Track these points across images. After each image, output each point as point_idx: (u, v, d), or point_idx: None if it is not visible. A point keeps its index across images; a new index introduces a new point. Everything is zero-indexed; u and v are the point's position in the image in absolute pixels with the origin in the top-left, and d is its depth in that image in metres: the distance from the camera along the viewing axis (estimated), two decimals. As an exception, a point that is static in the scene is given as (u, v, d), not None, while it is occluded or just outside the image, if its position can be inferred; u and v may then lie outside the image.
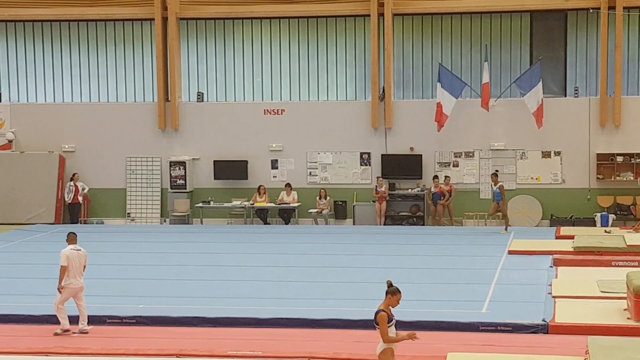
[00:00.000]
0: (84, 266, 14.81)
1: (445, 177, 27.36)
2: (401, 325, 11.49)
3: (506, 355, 12.69)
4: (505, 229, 25.09)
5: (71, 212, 28.45)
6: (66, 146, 29.08)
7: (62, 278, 14.49)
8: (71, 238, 14.98)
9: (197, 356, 13.06)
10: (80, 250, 14.83)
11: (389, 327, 10.27)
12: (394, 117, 28.14)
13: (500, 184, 25.19)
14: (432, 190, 27.27)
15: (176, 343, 13.66)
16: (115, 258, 21.71)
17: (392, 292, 10.41)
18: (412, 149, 28.05)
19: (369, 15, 28.08)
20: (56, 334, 14.36)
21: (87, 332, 14.46)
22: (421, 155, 27.96)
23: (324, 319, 14.88)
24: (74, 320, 14.56)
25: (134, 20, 29.32)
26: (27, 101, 29.89)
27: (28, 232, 26.05)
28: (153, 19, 28.79)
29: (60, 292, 14.46)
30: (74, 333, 14.44)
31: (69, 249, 14.73)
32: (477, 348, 13.19)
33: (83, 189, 28.34)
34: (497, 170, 26.52)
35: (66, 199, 28.37)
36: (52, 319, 15.08)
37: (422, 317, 14.56)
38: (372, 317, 10.42)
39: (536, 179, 27.71)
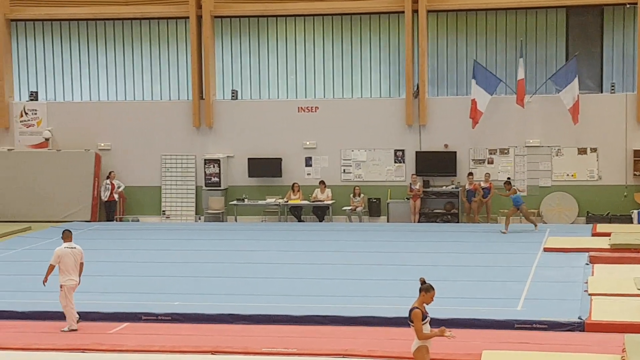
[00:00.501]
0: (81, 264, 14.93)
1: (486, 173, 27.25)
2: (436, 322, 11.44)
3: (542, 354, 12.61)
4: (506, 229, 24.63)
5: (107, 210, 28.63)
6: (102, 144, 29.27)
7: (48, 274, 14.71)
8: (66, 235, 15.11)
9: (232, 353, 13.09)
10: (75, 247, 14.95)
11: (423, 324, 10.25)
12: (428, 114, 28.05)
13: (513, 188, 25.07)
14: (467, 187, 27.16)
15: (211, 340, 13.71)
16: (151, 255, 21.82)
17: (426, 289, 10.39)
18: (446, 146, 27.95)
19: (403, 12, 28.01)
20: (62, 331, 14.53)
21: (76, 330, 14.53)
22: (455, 152, 27.86)
23: (359, 317, 14.87)
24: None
25: (169, 18, 29.46)
26: (64, 100, 30.11)
27: (64, 230, 26.23)
28: (188, 17, 28.90)
29: (44, 284, 14.68)
30: (62, 330, 14.55)
31: (62, 247, 14.87)
32: (512, 346, 13.11)
33: (119, 187, 28.51)
34: (509, 178, 26.34)
35: (102, 197, 28.55)
36: (87, 316, 15.21)
37: (457, 315, 14.50)
38: (407, 315, 10.40)
39: (572, 175, 27.52)
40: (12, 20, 29.75)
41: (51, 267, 14.77)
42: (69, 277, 14.67)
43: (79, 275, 14.89)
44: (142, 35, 29.73)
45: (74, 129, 29.33)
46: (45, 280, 14.83)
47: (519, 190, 25.78)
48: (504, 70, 28.17)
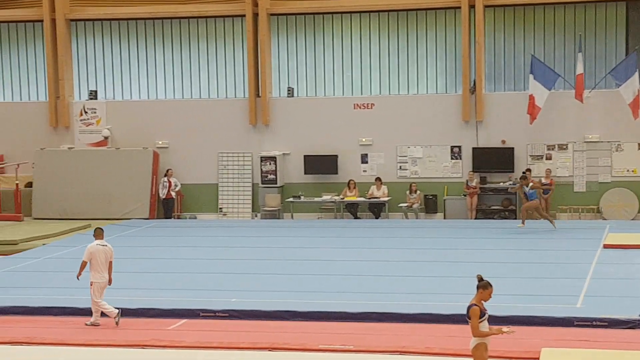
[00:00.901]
0: (111, 262, 15.12)
1: (546, 169, 26.99)
2: (494, 319, 11.38)
3: (601, 351, 12.46)
4: (523, 223, 24.23)
5: (165, 208, 28.87)
6: (160, 142, 29.53)
7: (81, 270, 14.96)
8: (98, 233, 15.34)
9: (289, 350, 13.13)
10: (106, 245, 15.15)
11: (481, 321, 10.18)
12: (485, 109, 27.86)
13: (531, 183, 24.42)
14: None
15: (268, 337, 13.75)
16: (208, 252, 21.97)
17: (483, 286, 10.32)
18: (503, 141, 27.73)
19: (459, 7, 27.85)
20: (86, 325, 14.79)
21: (98, 324, 14.77)
22: (513, 148, 27.63)
23: (416, 314, 14.81)
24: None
25: (225, 16, 29.61)
26: (122, 98, 30.43)
27: (123, 227, 26.53)
28: (244, 15, 29.03)
29: (77, 278, 14.95)
30: (85, 324, 14.79)
31: (94, 244, 15.07)
32: (571, 343, 12.98)
33: (176, 186, 28.72)
34: (526, 171, 25.88)
35: (160, 195, 28.80)
36: (146, 313, 15.37)
37: (515, 312, 14.38)
38: (464, 312, 10.34)
39: (632, 171, 27.13)
40: (72, 20, 30.14)
41: (84, 264, 15.03)
42: (99, 274, 14.90)
43: (110, 273, 15.09)
44: (199, 33, 29.93)
45: (132, 127, 29.64)
46: (78, 275, 15.17)
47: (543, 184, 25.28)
48: (562, 65, 27.86)
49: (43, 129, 30.08)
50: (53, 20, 29.69)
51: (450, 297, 15.74)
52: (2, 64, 30.85)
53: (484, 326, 10.23)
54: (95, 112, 29.89)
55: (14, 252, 22.51)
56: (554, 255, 20.53)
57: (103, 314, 14.92)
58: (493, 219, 27.37)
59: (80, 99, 30.39)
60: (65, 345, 13.61)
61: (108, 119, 29.83)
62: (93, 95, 30.22)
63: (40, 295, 16.76)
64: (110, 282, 15.13)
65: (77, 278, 15.20)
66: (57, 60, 29.79)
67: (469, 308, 10.23)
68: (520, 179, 24.82)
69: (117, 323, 14.74)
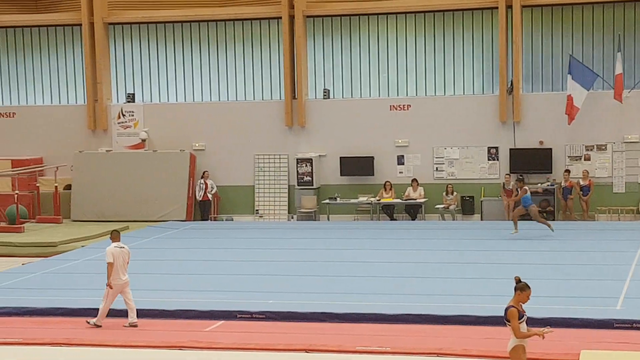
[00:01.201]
0: (127, 262, 15.28)
1: (584, 170, 26.78)
2: (532, 321, 11.29)
3: (642, 354, 12.34)
4: (516, 229, 23.40)
5: (202, 209, 29.00)
6: (197, 144, 29.67)
7: (110, 274, 14.99)
8: (115, 236, 15.51)
9: (326, 351, 13.12)
10: (123, 247, 15.32)
11: (519, 323, 10.12)
12: (522, 110, 27.70)
13: (524, 187, 23.53)
14: (563, 184, 26.72)
15: (305, 338, 13.76)
16: (245, 254, 22.02)
17: (521, 287, 10.26)
18: (541, 142, 27.56)
19: (496, 8, 27.72)
20: (87, 323, 14.99)
21: (136, 325, 14.86)
22: (551, 149, 27.44)
23: (453, 315, 14.75)
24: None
25: (261, 19, 29.68)
26: (160, 101, 30.61)
27: (161, 229, 26.68)
28: (280, 18, 29.09)
29: (110, 287, 14.93)
30: (124, 326, 14.89)
31: (113, 247, 15.21)
32: (611, 346, 12.86)
33: (212, 188, 28.84)
34: (521, 176, 25.09)
35: (197, 197, 28.93)
36: (184, 314, 15.44)
37: (554, 314, 14.26)
38: (502, 314, 10.28)
39: (672, 172, 26.87)
40: (110, 23, 30.37)
41: (110, 266, 15.08)
42: (117, 276, 15.02)
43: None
44: (235, 36, 30.03)
45: (169, 130, 29.80)
46: (109, 282, 15.04)
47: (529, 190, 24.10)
48: (601, 65, 27.63)
49: (81, 131, 30.33)
50: (91, 24, 29.93)
51: (487, 298, 15.66)
52: (41, 68, 31.14)
53: (522, 328, 10.17)
54: (132, 115, 30.10)
55: (53, 254, 22.72)
56: (593, 257, 20.34)
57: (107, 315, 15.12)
58: (531, 220, 27.12)
59: (118, 102, 30.60)
60: (104, 347, 13.71)
61: (145, 121, 30.02)
62: (131, 98, 30.42)
63: (79, 297, 16.89)
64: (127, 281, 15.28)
65: (110, 286, 15.09)
66: (96, 63, 30.03)
67: (506, 310, 10.18)
68: (516, 181, 24.34)
69: (87, 322, 14.95)
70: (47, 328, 14.97)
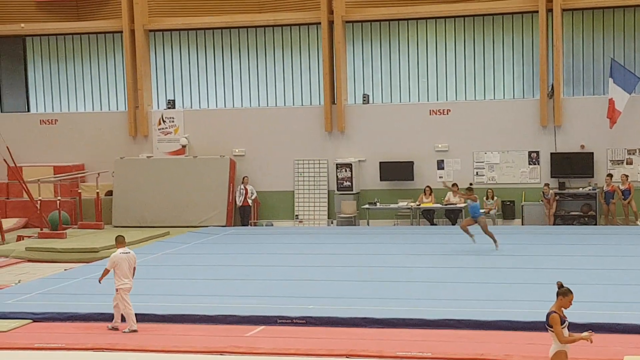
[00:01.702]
0: (134, 268, 15.47)
1: (622, 175, 26.54)
2: (575, 326, 11.20)
3: (687, 360, 12.19)
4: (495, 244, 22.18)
5: (242, 215, 29.10)
6: (236, 150, 29.79)
7: (103, 276, 15.49)
8: (119, 241, 15.66)
9: (366, 357, 13.10)
10: (129, 253, 15.47)
11: (561, 328, 10.03)
12: (563, 114, 27.51)
13: (473, 196, 22.59)
14: (605, 188, 26.49)
15: (345, 344, 13.75)
16: (285, 259, 22.06)
17: (563, 293, 10.18)
18: (582, 146, 27.35)
19: (537, 12, 27.56)
20: (108, 329, 15.23)
21: (136, 330, 14.99)
22: (592, 153, 27.22)
23: (494, 320, 14.65)
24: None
25: (300, 24, 29.75)
26: (199, 107, 30.77)
27: (201, 235, 26.80)
28: (319, 23, 29.14)
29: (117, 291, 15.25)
30: (123, 331, 15.04)
31: (117, 253, 15.41)
32: (655, 352, 12.73)
33: (252, 194, 28.94)
34: (471, 184, 24.43)
35: (237, 202, 29.04)
36: (225, 319, 15.49)
37: (596, 319, 14.13)
38: (543, 319, 10.20)
39: None
40: (150, 30, 30.60)
41: (106, 271, 15.45)
42: (122, 281, 15.21)
43: (132, 278, 15.50)
44: (275, 41, 30.12)
45: (209, 136, 29.95)
46: (100, 279, 15.69)
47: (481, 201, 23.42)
48: (643, 68, 27.40)
49: (122, 138, 30.58)
50: (132, 31, 30.18)
51: (529, 304, 15.55)
52: (82, 75, 31.45)
53: (564, 333, 10.08)
54: (173, 121, 30.28)
55: (95, 259, 22.89)
56: (636, 261, 20.12)
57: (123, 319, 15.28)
58: (572, 224, 26.98)
59: (158, 108, 30.81)
60: (144, 352, 13.78)
61: (186, 127, 30.19)
62: (171, 104, 30.62)
63: (120, 302, 16.99)
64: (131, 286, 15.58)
65: (99, 282, 15.71)
66: (136, 70, 30.28)
67: (548, 315, 10.10)
68: (467, 189, 23.35)
69: (124, 331, 15.08)
70: (89, 333, 15.09)
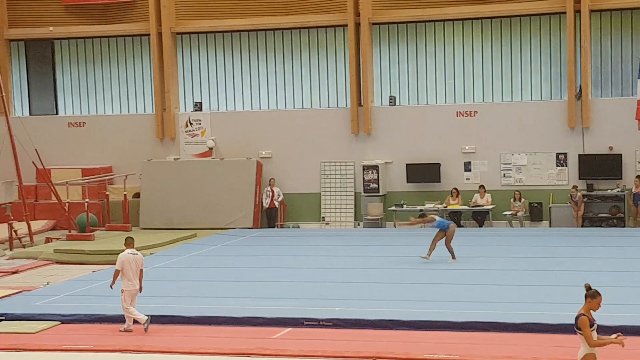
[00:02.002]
0: (141, 270, 15.52)
1: (636, 179, 26.31)
2: (604, 329, 11.12)
3: None
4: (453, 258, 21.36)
5: (268, 217, 29.14)
6: (263, 152, 29.83)
7: (115, 279, 15.44)
8: (128, 242, 15.76)
9: (393, 359, 13.08)
10: (137, 254, 15.54)
11: (590, 331, 9.96)
12: (591, 115, 27.35)
13: (430, 217, 21.85)
14: (634, 190, 26.31)
15: (372, 346, 13.73)
16: (311, 261, 22.06)
17: (592, 295, 10.12)
18: (611, 148, 27.18)
19: (564, 13, 27.41)
20: (120, 331, 15.26)
21: (131, 331, 15.15)
22: (621, 154, 27.05)
23: (522, 323, 14.58)
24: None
25: (327, 27, 29.76)
26: (226, 109, 30.84)
27: (228, 237, 26.86)
28: (346, 25, 29.13)
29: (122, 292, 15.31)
30: (119, 330, 15.24)
31: (125, 253, 15.50)
32: (685, 355, 12.61)
33: (278, 196, 28.98)
34: (422, 211, 23.25)
35: (264, 204, 29.08)
36: (251, 321, 15.51)
37: (626, 322, 14.02)
38: (571, 321, 10.15)
39: None
40: (178, 33, 30.72)
41: (117, 272, 15.47)
42: (129, 282, 15.30)
43: (140, 281, 15.50)
44: (301, 44, 30.15)
45: (236, 138, 30.02)
46: (112, 284, 15.69)
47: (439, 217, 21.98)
48: (671, 69, 27.16)
49: (150, 140, 30.72)
50: (159, 34, 30.32)
51: (556, 306, 15.47)
52: (110, 78, 31.62)
53: (593, 336, 10.02)
54: (200, 124, 30.38)
55: (123, 261, 22.96)
56: (665, 264, 19.99)
57: (135, 321, 15.29)
58: (600, 226, 26.82)
59: (185, 110, 30.92)
60: (172, 354, 13.83)
61: (213, 129, 30.28)
62: (198, 106, 30.73)
63: (148, 304, 17.05)
64: (140, 289, 15.55)
65: (111, 287, 15.72)
66: (164, 73, 30.40)
67: (577, 318, 10.04)
68: (419, 217, 22.37)
69: (146, 329, 15.13)
70: (117, 335, 15.16)
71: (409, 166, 28.63)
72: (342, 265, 21.28)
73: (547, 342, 13.60)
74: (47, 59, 32.04)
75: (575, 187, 26.94)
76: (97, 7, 31.23)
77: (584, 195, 26.94)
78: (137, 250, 15.83)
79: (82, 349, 14.22)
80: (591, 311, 10.10)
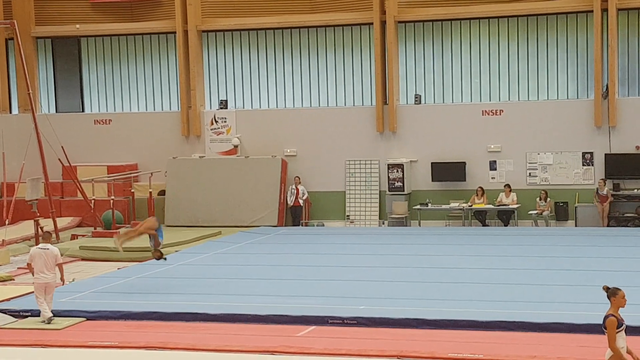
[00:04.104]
0: (59, 263, 16.05)
1: None
2: (632, 330, 11.06)
3: None
4: None
5: (293, 215, 29.16)
6: (288, 150, 29.86)
7: (31, 271, 16.15)
8: (45, 237, 16.60)
9: (417, 357, 13.04)
10: (48, 248, 16.07)
11: (618, 332, 9.90)
12: (618, 115, 27.18)
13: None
14: (660, 190, 26.14)
15: (397, 344, 13.71)
16: (336, 260, 22.05)
17: (613, 293, 10.08)
18: (638, 147, 27.01)
19: (591, 11, 27.25)
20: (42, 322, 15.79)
21: (50, 323, 15.64)
22: (647, 154, 26.90)
23: (547, 323, 14.51)
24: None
25: (353, 25, 29.74)
26: (252, 107, 30.89)
27: (252, 235, 26.90)
28: (372, 23, 29.10)
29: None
30: (42, 322, 15.70)
31: (35, 248, 16.26)
32: None
33: (303, 194, 28.99)
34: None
35: (288, 202, 29.10)
36: (276, 319, 15.52)
37: (652, 323, 13.94)
38: (597, 321, 10.10)
39: None
40: (203, 31, 30.79)
41: (28, 266, 16.13)
42: (37, 275, 15.82)
43: (61, 274, 16.23)
44: (327, 42, 30.14)
45: (261, 136, 30.05)
46: (32, 273, 16.11)
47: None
48: (699, 68, 26.98)
49: (175, 138, 30.81)
50: (185, 32, 30.40)
51: (582, 306, 15.39)
52: (136, 76, 31.75)
53: (621, 336, 9.95)
54: (225, 121, 30.45)
55: (148, 258, 22.97)
56: (692, 265, 19.83)
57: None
58: (627, 226, 26.65)
59: (211, 108, 31.00)
60: (196, 351, 13.87)
61: (238, 127, 30.33)
62: (223, 104, 30.79)
63: (173, 301, 17.14)
64: (63, 281, 16.56)
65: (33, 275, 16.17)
66: (189, 70, 30.49)
67: (605, 318, 9.97)
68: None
69: (47, 322, 15.68)
70: (142, 332, 15.21)
71: (434, 165, 28.56)
72: (366, 264, 21.26)
73: (572, 342, 13.52)
74: (73, 57, 32.22)
75: (602, 179, 26.71)
76: (123, 4, 31.37)
77: (613, 196, 26.74)
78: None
79: (107, 345, 14.28)
80: (619, 309, 10.02)
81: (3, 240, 25.07)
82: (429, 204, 28.19)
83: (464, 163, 28.35)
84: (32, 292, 16.51)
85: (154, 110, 31.64)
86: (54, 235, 26.50)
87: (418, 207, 28.23)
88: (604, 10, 27.07)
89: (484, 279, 18.86)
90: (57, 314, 16.19)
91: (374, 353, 13.32)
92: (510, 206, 27.50)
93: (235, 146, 30.23)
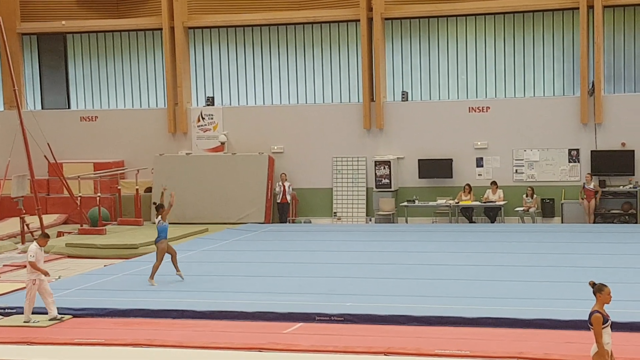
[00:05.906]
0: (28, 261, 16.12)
1: None
2: (616, 326, 11.10)
3: None
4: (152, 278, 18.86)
5: (280, 212, 29.15)
6: (275, 147, 29.83)
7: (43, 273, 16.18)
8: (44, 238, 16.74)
9: (404, 354, 13.08)
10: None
11: (604, 328, 9.94)
12: (604, 112, 27.26)
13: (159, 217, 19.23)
14: (646, 187, 26.22)
15: (384, 341, 13.74)
16: (323, 256, 22.07)
17: (599, 289, 10.12)
18: (623, 144, 27.09)
19: (577, 8, 27.33)
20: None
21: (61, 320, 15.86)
22: (633, 150, 26.95)
23: (533, 319, 14.57)
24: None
25: (339, 22, 29.72)
26: (238, 104, 30.85)
27: (240, 232, 26.88)
28: (358, 20, 29.10)
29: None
30: (50, 320, 15.82)
31: (37, 248, 16.34)
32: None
33: (289, 189, 28.97)
34: (160, 202, 19.94)
35: (276, 199, 29.08)
36: (263, 316, 15.53)
37: (638, 318, 13.99)
38: (583, 317, 10.12)
39: None
40: (190, 28, 30.73)
41: (34, 265, 16.06)
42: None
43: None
44: (314, 38, 30.13)
45: (248, 133, 30.02)
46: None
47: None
48: (685, 65, 27.09)
49: (162, 135, 30.75)
50: (172, 29, 30.34)
51: (568, 302, 15.45)
52: (122, 72, 31.65)
53: (607, 332, 9.98)
54: (212, 118, 30.40)
55: (135, 255, 23.06)
56: (678, 261, 19.91)
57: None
58: (613, 223, 26.74)
59: (197, 105, 30.94)
60: (183, 348, 13.86)
61: (224, 124, 30.30)
62: (210, 101, 30.74)
63: (160, 298, 17.12)
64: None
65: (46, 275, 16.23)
66: (176, 67, 30.43)
67: (591, 315, 10.01)
68: (157, 208, 19.64)
69: (60, 320, 15.80)
70: (129, 329, 15.20)
71: (421, 162, 28.59)
72: (353, 261, 21.28)
73: (558, 338, 13.58)
74: (59, 53, 32.09)
75: (589, 174, 26.77)
76: (109, 1, 31.27)
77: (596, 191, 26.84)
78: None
79: (94, 342, 14.26)
80: (605, 305, 10.06)
81: (-12, 237, 25.00)
82: (416, 201, 28.22)
83: (451, 160, 28.39)
84: (17, 289, 16.48)
85: (141, 107, 31.57)
86: (38, 232, 26.44)
87: (405, 204, 28.25)
88: (590, 7, 27.14)
89: (471, 275, 18.90)
90: (43, 311, 16.15)
91: (361, 350, 13.34)
92: (497, 203, 27.56)
93: (222, 143, 30.19)
